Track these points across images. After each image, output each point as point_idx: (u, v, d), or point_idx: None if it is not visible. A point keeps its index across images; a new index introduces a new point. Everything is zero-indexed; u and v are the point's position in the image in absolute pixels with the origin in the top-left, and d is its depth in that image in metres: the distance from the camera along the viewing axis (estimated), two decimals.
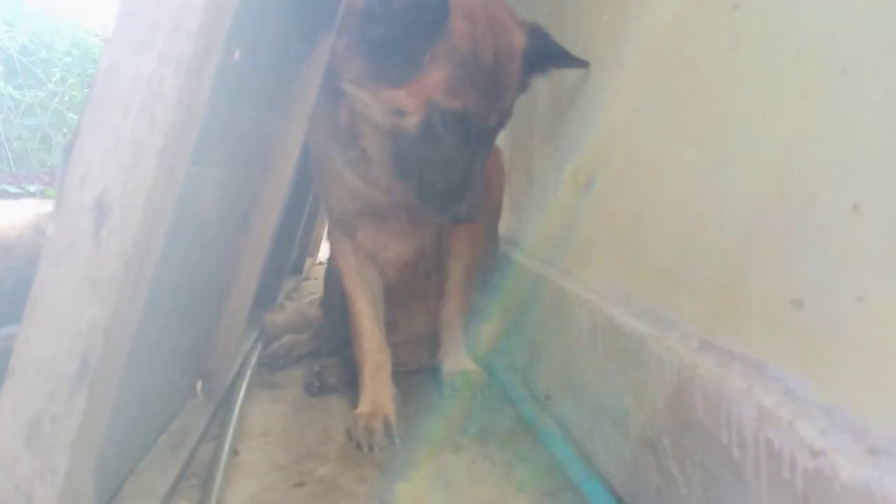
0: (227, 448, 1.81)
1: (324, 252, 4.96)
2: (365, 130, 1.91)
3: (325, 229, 4.99)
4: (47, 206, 0.98)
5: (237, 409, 2.04)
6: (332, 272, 2.59)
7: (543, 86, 2.44)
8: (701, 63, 1.40)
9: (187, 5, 0.74)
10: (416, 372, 2.50)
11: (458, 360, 2.35)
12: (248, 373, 2.37)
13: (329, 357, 2.46)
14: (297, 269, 4.30)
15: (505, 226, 2.81)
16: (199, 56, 0.75)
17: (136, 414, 1.42)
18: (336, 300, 2.57)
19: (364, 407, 2.02)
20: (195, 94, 0.77)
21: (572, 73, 2.14)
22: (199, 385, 1.96)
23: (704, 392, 1.27)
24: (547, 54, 1.95)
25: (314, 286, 4.07)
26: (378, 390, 2.06)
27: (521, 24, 1.92)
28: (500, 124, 1.93)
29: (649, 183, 1.64)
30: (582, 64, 1.94)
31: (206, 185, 1.55)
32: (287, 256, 3.43)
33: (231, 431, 1.90)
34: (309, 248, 4.38)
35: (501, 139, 2.85)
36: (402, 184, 1.93)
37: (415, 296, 2.44)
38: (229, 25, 0.85)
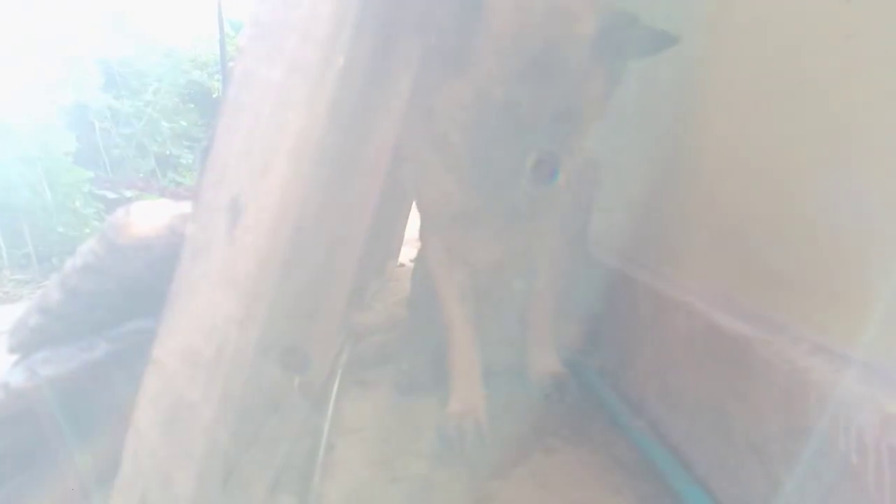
0: (324, 443, 1.86)
1: (404, 254, 5.03)
2: (454, 137, 1.93)
3: (405, 234, 5.06)
4: (179, 208, 1.04)
5: (332, 405, 2.10)
6: (420, 273, 2.62)
7: (634, 83, 2.41)
8: (811, 54, 1.36)
9: (314, 14, 0.77)
10: (505, 373, 2.50)
11: (546, 362, 2.34)
12: (340, 371, 2.43)
13: (417, 356, 2.49)
14: (380, 271, 4.37)
15: (595, 227, 2.78)
16: (325, 62, 0.78)
17: (245, 406, 1.48)
18: (423, 300, 2.60)
19: (455, 406, 2.03)
20: (321, 99, 0.80)
21: (664, 67, 2.10)
22: (296, 381, 2.02)
23: (819, 396, 1.22)
24: (629, 39, 1.84)
25: (397, 287, 4.13)
26: (469, 390, 2.07)
27: (597, 11, 1.83)
28: (569, 117, 1.83)
29: (752, 180, 1.59)
30: (671, 40, 1.81)
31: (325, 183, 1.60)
32: (372, 258, 3.49)
33: (327, 427, 1.96)
34: (391, 251, 4.45)
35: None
36: (485, 182, 1.91)
37: (504, 296, 2.44)
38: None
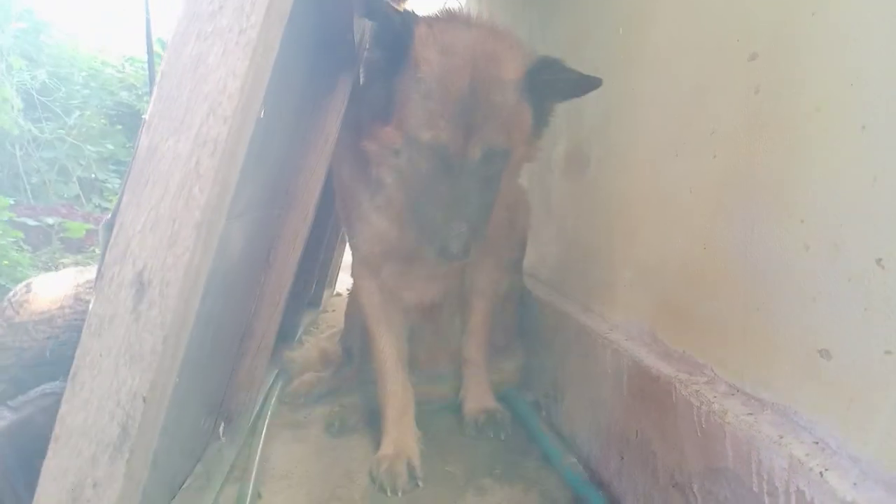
0: (250, 492, 1.81)
1: (341, 283, 4.97)
2: (388, 180, 1.94)
3: (342, 261, 5.01)
4: (86, 276, 1.01)
5: (259, 450, 2.05)
6: (353, 309, 2.60)
7: (562, 122, 2.46)
8: (721, 107, 1.41)
9: (223, 90, 0.76)
10: (440, 410, 2.49)
11: (480, 398, 2.34)
12: (269, 412, 2.37)
13: (350, 396, 2.46)
14: (316, 301, 4.31)
15: (527, 260, 2.82)
16: (234, 137, 0.77)
17: (165, 461, 1.43)
18: (357, 337, 2.58)
19: (387, 449, 2.01)
20: (229, 171, 0.79)
21: (590, 114, 2.16)
22: (221, 427, 1.97)
23: (734, 439, 1.26)
24: (553, 79, 1.87)
25: (332, 318, 4.07)
26: (402, 432, 2.06)
27: (523, 56, 1.88)
28: (495, 160, 1.85)
29: (672, 222, 1.64)
30: (593, 81, 1.84)
31: (232, 235, 1.58)
32: (306, 290, 3.45)
33: (254, 474, 1.90)
34: (327, 280, 4.39)
35: (522, 176, 2.87)
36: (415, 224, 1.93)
37: (438, 335, 2.44)
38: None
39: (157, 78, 0.76)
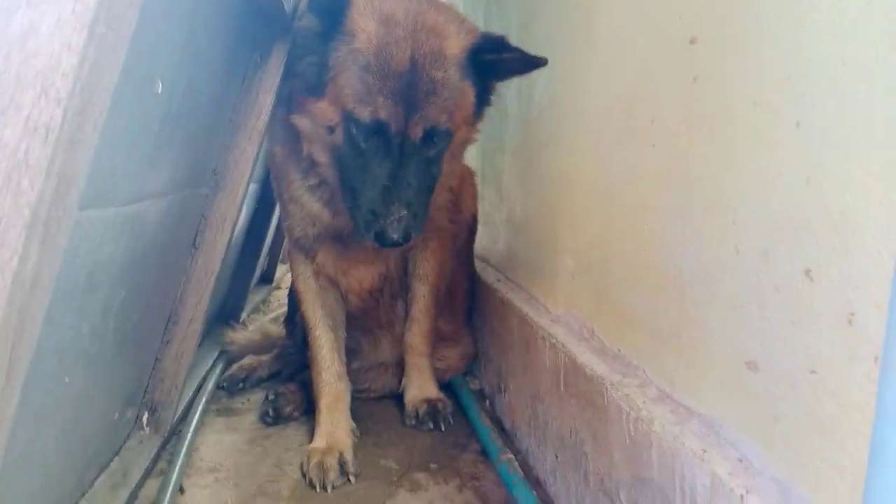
0: (171, 487, 1.73)
1: None
2: (321, 158, 1.84)
3: None
4: None
5: (187, 442, 1.96)
6: (295, 290, 2.50)
7: (513, 103, 2.37)
8: (662, 94, 1.33)
9: (56, 67, 0.65)
10: (381, 398, 2.42)
11: (422, 387, 2.27)
12: (204, 399, 2.28)
13: (288, 383, 2.37)
14: (268, 277, 4.20)
15: (478, 242, 2.74)
16: (73, 122, 0.67)
17: (65, 460, 1.34)
18: (299, 318, 2.48)
19: (319, 442, 1.93)
20: (71, 161, 0.69)
21: (539, 93, 2.07)
22: (145, 417, 1.87)
23: (660, 450, 1.20)
24: (493, 51, 1.79)
25: (285, 296, 3.97)
26: (334, 424, 1.98)
27: (466, 31, 1.79)
28: (437, 140, 1.77)
29: (614, 216, 1.56)
30: (537, 60, 1.78)
31: (146, 216, 1.47)
32: (252, 269, 3.33)
33: (178, 468, 1.82)
34: (280, 256, 4.28)
35: (473, 155, 2.78)
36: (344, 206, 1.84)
37: (380, 321, 2.35)
38: (118, 77, 0.76)
39: None
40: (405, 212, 1.70)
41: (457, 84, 1.76)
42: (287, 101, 1.88)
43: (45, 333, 0.97)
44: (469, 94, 1.82)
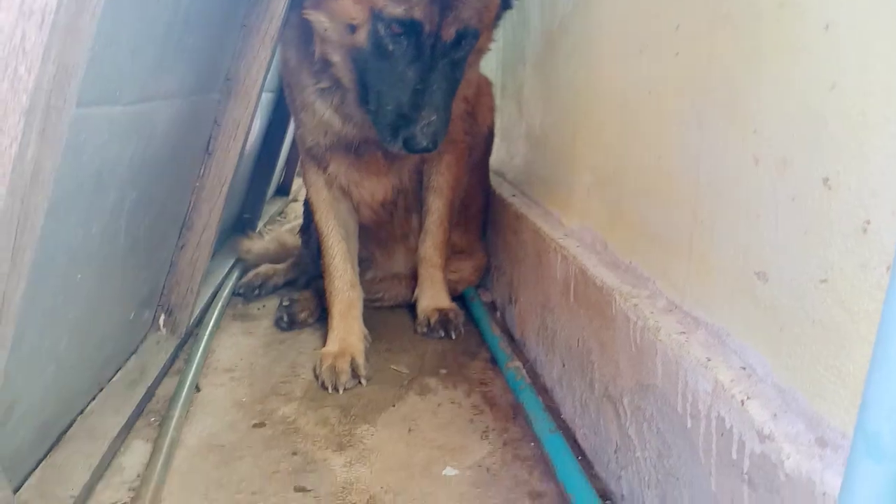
0: (188, 384, 1.79)
1: None
2: (334, 58, 1.78)
3: None
4: None
5: (203, 343, 2.01)
6: (308, 200, 2.50)
7: (535, 11, 2.29)
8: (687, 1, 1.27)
9: None
10: (394, 307, 2.45)
11: (434, 297, 2.29)
12: (221, 304, 2.33)
13: (303, 290, 2.40)
14: (285, 189, 4.20)
15: (496, 156, 2.70)
16: (70, 7, 0.65)
17: (78, 357, 1.38)
18: (314, 228, 2.50)
19: (331, 346, 1.98)
20: (69, 49, 0.67)
21: (563, 1, 1.99)
22: (161, 319, 1.92)
23: (664, 358, 1.21)
24: None
25: (301, 208, 4.00)
26: (347, 329, 2.02)
27: None
28: (465, 43, 1.73)
29: (632, 126, 1.53)
30: None
31: (154, 118, 1.46)
32: (268, 179, 3.32)
33: (194, 367, 1.88)
34: (297, 168, 4.26)
35: (492, 67, 2.71)
36: (365, 112, 1.81)
37: (394, 233, 2.36)
38: None
39: None
40: (434, 116, 1.68)
41: None
42: (299, 4, 1.82)
43: (53, 230, 0.99)
44: None
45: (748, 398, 0.99)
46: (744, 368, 1.06)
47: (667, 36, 1.34)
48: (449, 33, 1.67)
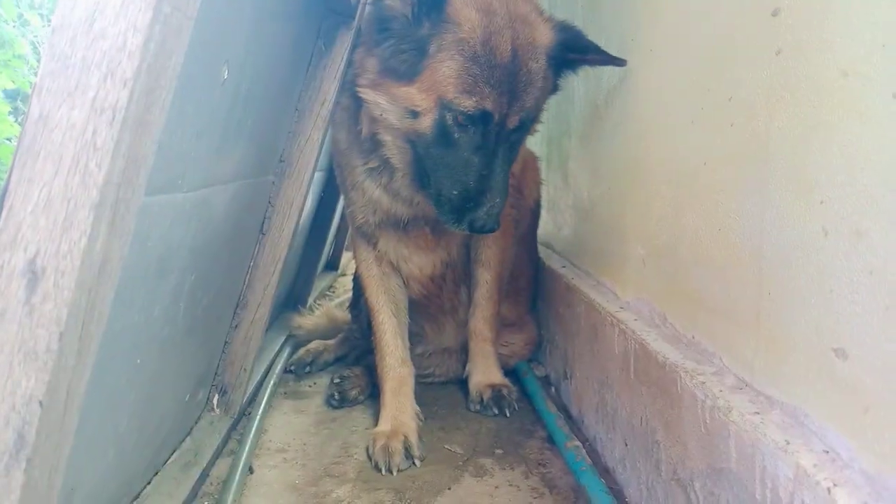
0: (241, 467, 1.76)
1: None
2: (386, 139, 1.82)
3: None
4: None
5: (256, 423, 2.00)
6: (358, 276, 2.51)
7: (580, 85, 2.31)
8: (741, 70, 1.26)
9: (122, 48, 0.65)
10: (445, 383, 2.41)
11: (486, 373, 2.25)
12: (272, 382, 2.32)
13: (354, 366, 2.39)
14: (334, 264, 4.25)
15: (543, 228, 2.70)
16: (139, 103, 0.67)
17: (137, 439, 1.38)
18: (364, 304, 2.50)
19: (383, 425, 1.94)
20: (137, 143, 0.69)
21: (608, 74, 2.00)
22: (215, 399, 1.92)
23: (739, 440, 1.14)
24: (578, 50, 1.81)
25: (350, 282, 4.02)
26: (399, 408, 1.98)
27: (547, 20, 1.80)
28: (524, 128, 1.79)
29: (686, 197, 1.51)
30: (618, 62, 1.79)
31: (213, 202, 1.49)
32: (318, 255, 3.37)
33: (247, 448, 1.85)
34: (346, 243, 4.32)
35: (537, 141, 2.73)
36: (422, 193, 1.84)
37: (443, 307, 2.34)
38: (183, 60, 0.76)
39: (50, 34, 0.66)
40: (498, 199, 1.72)
41: (545, 73, 1.79)
42: (350, 85, 1.87)
43: (117, 315, 1.00)
44: (549, 81, 1.85)
45: (834, 485, 0.93)
46: (827, 452, 1.00)
47: (721, 107, 1.33)
48: (513, 121, 1.73)
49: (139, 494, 1.51)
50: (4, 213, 0.67)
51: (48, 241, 0.66)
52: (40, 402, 0.67)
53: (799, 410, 1.08)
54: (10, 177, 0.67)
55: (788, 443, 1.03)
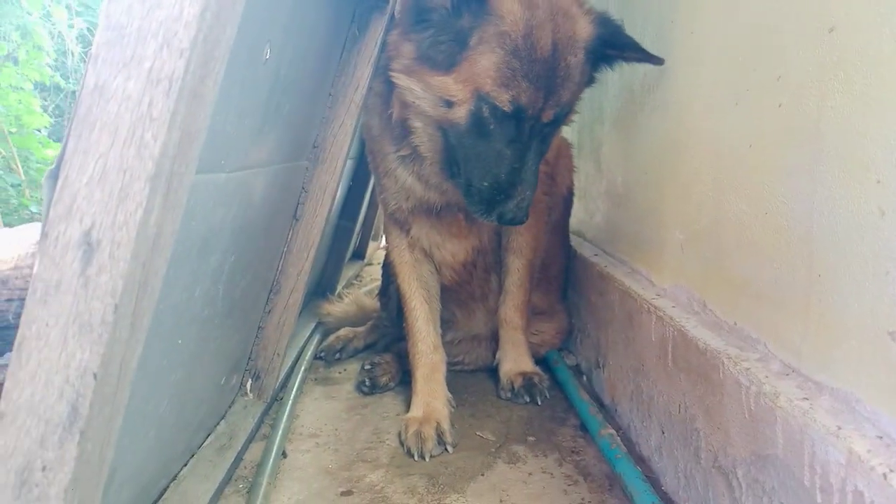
0: (275, 451, 1.77)
1: None
2: (416, 125, 1.81)
3: None
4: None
5: (288, 408, 2.00)
6: (388, 264, 2.51)
7: (614, 71, 2.28)
8: (790, 49, 1.23)
9: (179, 17, 0.64)
10: (474, 371, 2.40)
11: (517, 361, 2.24)
12: (303, 368, 2.33)
13: (384, 353, 2.39)
14: (360, 254, 4.26)
15: (574, 216, 2.67)
16: (195, 74, 0.66)
17: (175, 421, 1.39)
18: (393, 291, 2.50)
19: (415, 411, 1.94)
20: (193, 115, 0.68)
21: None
22: (248, 383, 1.93)
23: (786, 426, 1.12)
24: (616, 46, 1.80)
25: (377, 271, 4.02)
26: (431, 394, 1.98)
27: (588, 13, 1.77)
28: (559, 121, 1.78)
29: (728, 180, 1.47)
30: (656, 60, 1.78)
31: (253, 184, 1.49)
32: (347, 244, 3.37)
33: (280, 433, 1.86)
34: (372, 233, 4.33)
35: (569, 128, 2.70)
36: (451, 181, 1.83)
37: (474, 294, 2.33)
38: (236, 32, 0.75)
39: (105, 3, 0.66)
40: (528, 192, 1.71)
41: (583, 67, 1.77)
42: (383, 70, 1.86)
43: (162, 294, 0.99)
44: (586, 75, 1.83)
45: (891, 471, 0.90)
46: (881, 438, 0.97)
47: (767, 87, 1.30)
48: (549, 115, 1.71)
49: (176, 476, 1.52)
50: (60, 183, 0.67)
51: (103, 212, 0.66)
52: (94, 375, 0.67)
53: (850, 395, 1.05)
54: (64, 147, 0.67)
55: (840, 428, 1.01)
